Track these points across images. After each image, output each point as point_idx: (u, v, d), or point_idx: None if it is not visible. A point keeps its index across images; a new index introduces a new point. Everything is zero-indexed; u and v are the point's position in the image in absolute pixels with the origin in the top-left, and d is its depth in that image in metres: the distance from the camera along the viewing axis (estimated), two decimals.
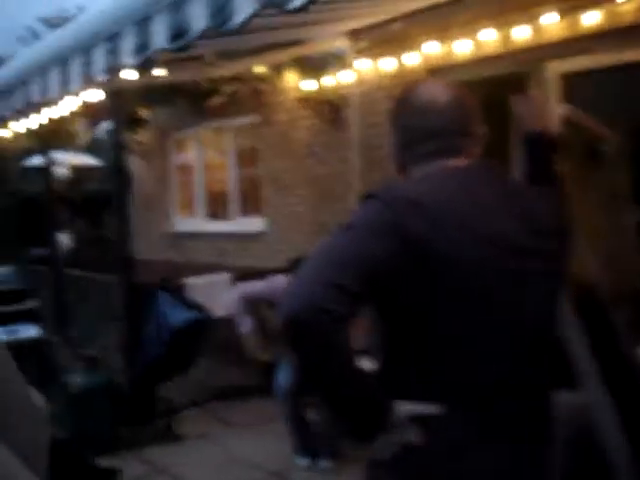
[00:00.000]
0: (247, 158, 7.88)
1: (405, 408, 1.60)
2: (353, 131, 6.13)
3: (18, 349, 4.87)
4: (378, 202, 1.67)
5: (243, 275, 6.43)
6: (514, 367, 1.67)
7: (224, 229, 8.11)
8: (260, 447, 5.17)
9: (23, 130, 6.65)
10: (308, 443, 4.72)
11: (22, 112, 5.67)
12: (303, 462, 4.72)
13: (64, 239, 6.35)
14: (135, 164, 8.97)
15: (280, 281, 4.76)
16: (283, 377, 4.68)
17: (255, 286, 4.84)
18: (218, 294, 6.12)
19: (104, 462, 4.19)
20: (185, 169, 8.98)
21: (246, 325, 4.78)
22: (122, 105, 5.97)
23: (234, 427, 5.67)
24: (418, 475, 1.64)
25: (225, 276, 6.19)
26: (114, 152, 5.73)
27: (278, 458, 4.93)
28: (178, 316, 5.48)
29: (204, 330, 5.69)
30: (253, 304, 4.78)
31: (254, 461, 4.93)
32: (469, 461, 1.61)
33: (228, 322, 6.25)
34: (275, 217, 7.27)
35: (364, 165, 6.07)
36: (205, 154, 8.67)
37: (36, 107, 5.66)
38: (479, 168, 1.78)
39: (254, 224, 7.62)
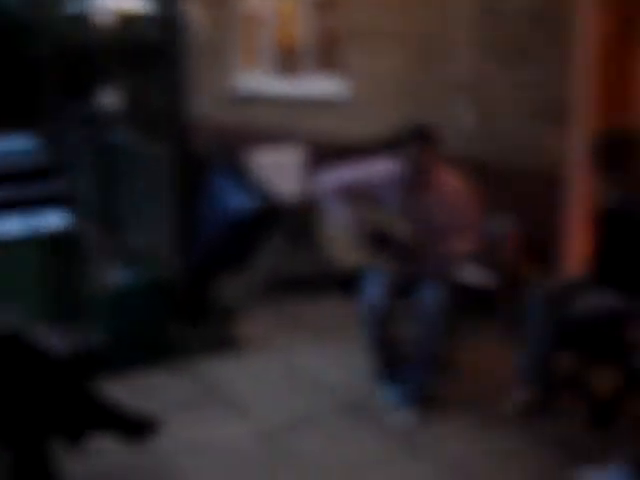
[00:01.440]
0: (325, 6, 6.58)
1: None
2: None
3: (41, 242, 4.05)
4: None
5: (323, 151, 5.38)
6: None
7: (295, 90, 6.95)
8: (334, 362, 4.29)
9: None
10: (395, 372, 3.78)
11: None
12: (386, 393, 3.81)
13: (108, 98, 5.36)
14: (192, 10, 7.76)
15: (383, 169, 3.74)
16: (372, 289, 3.69)
17: (351, 174, 3.79)
18: (289, 173, 5.12)
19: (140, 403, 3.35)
20: (251, 18, 7.71)
21: (339, 217, 3.77)
22: None
23: (304, 332, 4.79)
24: None
25: (299, 152, 5.14)
26: None
27: (356, 380, 4.03)
28: (240, 202, 4.49)
29: (271, 219, 4.72)
30: (347, 195, 3.76)
31: (326, 382, 4.05)
32: None
33: (299, 207, 5.30)
34: (358, 78, 6.08)
35: (477, 19, 4.81)
36: (276, 1, 7.38)
37: None
38: None
39: (331, 86, 6.45)
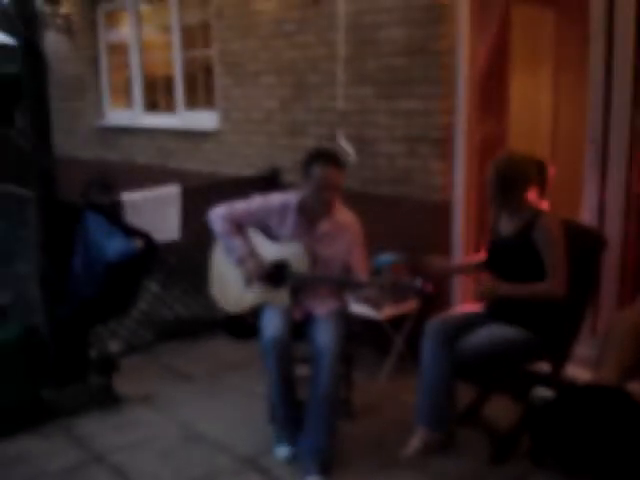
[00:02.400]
0: (197, 36, 6.38)
1: None
2: (339, 4, 4.75)
3: None
4: None
5: (201, 186, 5.15)
6: None
7: (167, 124, 6.69)
8: (224, 416, 4.02)
9: None
10: (294, 424, 3.53)
11: None
12: (284, 449, 3.58)
13: None
14: (55, 42, 7.37)
15: (278, 199, 3.65)
16: (271, 325, 3.44)
17: (246, 204, 3.66)
18: (166, 213, 4.86)
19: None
20: (119, 49, 7.40)
21: (233, 249, 3.59)
22: None
23: (191, 382, 4.51)
24: None
25: (174, 190, 4.89)
26: (26, 26, 4.25)
27: (251, 433, 3.79)
28: (115, 247, 4.21)
29: (148, 262, 4.45)
30: (242, 226, 3.62)
31: (218, 439, 3.75)
32: None
33: (177, 246, 5.04)
34: (232, 112, 5.90)
35: (351, 50, 4.74)
36: (144, 30, 7.10)
37: None
38: None
39: (204, 119, 6.24)
